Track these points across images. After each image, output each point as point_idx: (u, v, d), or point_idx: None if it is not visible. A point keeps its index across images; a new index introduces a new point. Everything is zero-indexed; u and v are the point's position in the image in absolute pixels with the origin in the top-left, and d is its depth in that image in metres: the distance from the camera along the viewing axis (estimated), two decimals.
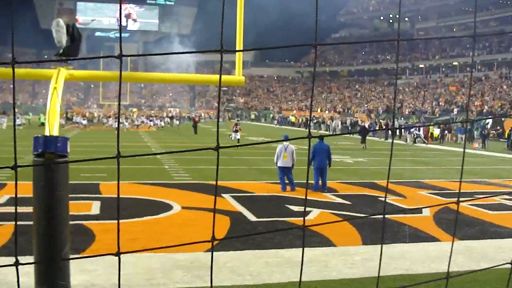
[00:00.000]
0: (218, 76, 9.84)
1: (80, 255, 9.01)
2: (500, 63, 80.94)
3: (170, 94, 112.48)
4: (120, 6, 1.77)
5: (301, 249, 9.50)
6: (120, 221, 11.45)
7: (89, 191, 15.46)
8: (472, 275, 8.63)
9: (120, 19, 1.79)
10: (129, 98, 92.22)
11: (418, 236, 11.51)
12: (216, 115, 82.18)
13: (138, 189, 16.46)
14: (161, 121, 60.90)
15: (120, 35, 1.65)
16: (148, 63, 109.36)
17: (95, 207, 13.36)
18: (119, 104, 1.85)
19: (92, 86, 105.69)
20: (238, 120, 58.41)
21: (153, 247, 8.80)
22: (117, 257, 1.70)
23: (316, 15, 1.75)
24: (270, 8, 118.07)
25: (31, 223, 7.08)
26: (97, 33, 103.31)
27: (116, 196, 13.54)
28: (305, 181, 17.07)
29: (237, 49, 8.71)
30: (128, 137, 43.19)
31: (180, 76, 11.49)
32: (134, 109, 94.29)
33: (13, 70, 1.72)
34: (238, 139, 39.94)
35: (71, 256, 7.92)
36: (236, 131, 40.59)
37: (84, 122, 50.13)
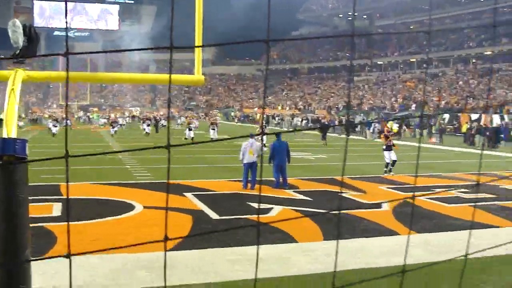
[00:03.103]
0: (176, 75, 9.86)
1: (38, 258, 8.96)
2: (456, 60, 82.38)
3: (131, 93, 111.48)
4: (66, 4, 1.81)
5: (263, 246, 9.64)
6: (82, 222, 11.45)
7: (50, 193, 15.29)
8: (429, 268, 8.86)
9: (66, 14, 1.82)
10: (90, 97, 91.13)
11: (377, 230, 11.72)
12: (177, 115, 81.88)
13: (99, 190, 16.36)
14: (121, 122, 59.62)
15: (67, 32, 1.69)
16: (109, 63, 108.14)
17: (56, 209, 13.24)
18: (66, 105, 1.86)
19: (51, 86, 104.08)
20: (215, 117, 57.16)
21: (107, 248, 8.78)
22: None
23: (269, 10, 1.81)
24: (231, 6, 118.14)
25: None
26: (56, 33, 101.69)
27: (77, 197, 13.44)
28: (266, 179, 17.21)
29: (196, 43, 8.75)
30: (91, 137, 42.83)
31: (136, 76, 11.49)
32: (95, 109, 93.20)
33: None
34: (212, 138, 37.43)
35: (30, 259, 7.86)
36: (213, 129, 39.05)
37: (56, 128, 44.35)
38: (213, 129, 38.72)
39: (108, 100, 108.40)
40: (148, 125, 46.99)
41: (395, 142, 22.60)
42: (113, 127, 45.35)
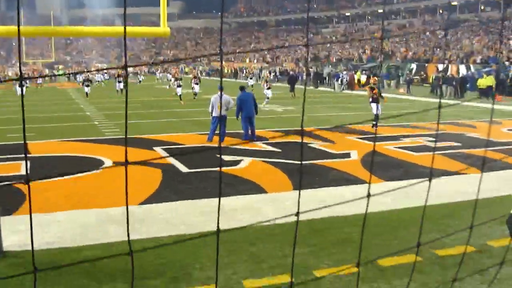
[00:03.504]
0: (142, 28, 9.73)
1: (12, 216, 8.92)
2: (423, 10, 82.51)
3: (97, 49, 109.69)
4: None
5: (233, 197, 9.72)
6: (52, 179, 11.36)
7: (18, 152, 15.12)
8: (397, 214, 9.05)
9: None
10: (54, 54, 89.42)
11: (347, 179, 11.87)
12: (147, 71, 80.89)
13: (69, 147, 16.24)
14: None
15: None
16: (74, 18, 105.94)
17: (24, 167, 13.12)
18: (20, 62, 1.77)
19: (14, 43, 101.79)
20: (197, 72, 52.83)
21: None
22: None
23: None
24: None
25: None
26: None
27: (46, 154, 13.34)
28: (236, 132, 17.22)
29: None
30: (59, 96, 42.23)
31: (96, 29, 11.28)
32: (60, 66, 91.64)
33: None
34: (196, 93, 35.91)
35: None
36: (197, 84, 36.50)
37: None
38: (196, 84, 36.56)
39: (73, 57, 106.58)
40: (120, 82, 42.87)
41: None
42: (87, 86, 39.82)
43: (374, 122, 20.10)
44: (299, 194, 1.85)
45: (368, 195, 1.90)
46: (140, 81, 61.39)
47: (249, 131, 17.22)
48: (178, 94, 33.85)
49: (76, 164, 13.63)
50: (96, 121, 22.86)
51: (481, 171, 12.82)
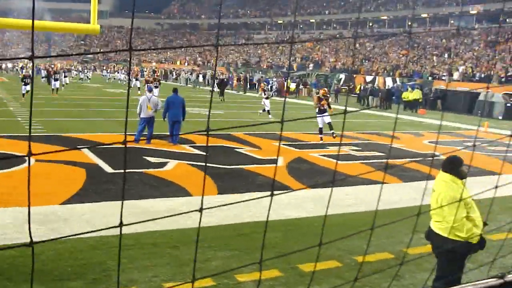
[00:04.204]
0: (73, 24, 9.54)
1: None
2: (353, 23, 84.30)
3: (25, 43, 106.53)
4: None
5: (157, 199, 9.63)
6: None
7: None
8: (321, 220, 9.19)
9: None
10: None
11: (271, 184, 11.97)
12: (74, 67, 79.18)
13: None
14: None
15: None
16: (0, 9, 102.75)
17: None
18: None
19: None
20: (155, 76, 48.33)
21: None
22: None
23: None
24: None
25: None
26: None
27: None
28: (163, 133, 17.08)
29: None
30: None
31: (22, 22, 11.00)
32: None
33: None
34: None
35: None
36: (156, 87, 33.13)
37: None
38: (156, 87, 32.87)
39: None
40: (56, 80, 37.90)
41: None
42: (26, 84, 31.69)
43: (321, 135, 19.44)
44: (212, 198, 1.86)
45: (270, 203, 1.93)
46: (89, 78, 60.80)
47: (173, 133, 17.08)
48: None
49: None
50: (19, 117, 22.21)
51: (402, 180, 13.20)
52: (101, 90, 45.16)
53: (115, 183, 11.33)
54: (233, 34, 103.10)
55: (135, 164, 13.43)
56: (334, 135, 19.45)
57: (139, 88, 39.17)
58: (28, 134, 17.35)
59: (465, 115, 35.15)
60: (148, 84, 28.94)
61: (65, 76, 42.74)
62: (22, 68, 66.53)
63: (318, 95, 20.31)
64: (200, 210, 1.71)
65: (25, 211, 8.91)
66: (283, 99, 44.50)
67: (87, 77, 61.56)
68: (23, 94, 31.23)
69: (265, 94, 29.64)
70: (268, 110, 27.70)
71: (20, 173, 11.85)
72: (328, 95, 20.12)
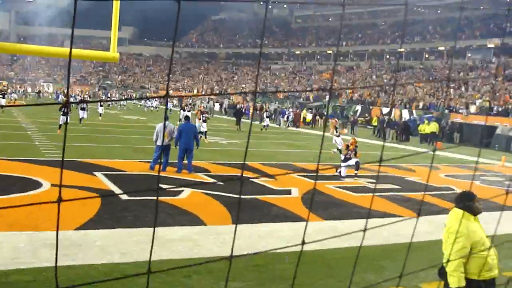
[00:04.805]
0: (92, 51, 9.64)
1: None
2: (370, 54, 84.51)
3: (44, 69, 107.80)
4: None
5: (172, 227, 9.61)
6: None
7: None
8: (334, 252, 9.11)
9: None
10: None
11: (286, 216, 11.91)
12: (90, 92, 79.89)
13: (6, 166, 15.79)
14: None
15: None
16: (20, 34, 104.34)
17: None
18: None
19: None
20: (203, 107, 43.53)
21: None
22: None
23: None
24: None
25: None
26: None
27: None
28: (176, 161, 17.06)
29: (113, 21, 8.58)
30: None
31: (53, 49, 11.11)
32: (4, 82, 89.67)
33: None
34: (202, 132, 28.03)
35: None
36: (204, 121, 29.39)
37: None
38: (205, 121, 29.42)
39: (18, 74, 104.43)
40: (83, 109, 34.69)
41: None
42: (65, 114, 27.41)
43: (356, 172, 18.52)
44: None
45: (303, 242, 1.91)
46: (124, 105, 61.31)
47: (185, 162, 16.99)
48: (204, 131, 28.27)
49: (13, 184, 13.25)
50: (37, 141, 22.38)
51: (417, 214, 13.07)
52: (119, 116, 45.55)
53: (130, 210, 11.34)
54: (250, 63, 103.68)
55: (150, 191, 13.42)
56: (356, 176, 18.44)
57: (180, 119, 36.63)
58: (44, 158, 17.48)
59: (482, 149, 34.92)
60: (204, 115, 28.77)
61: (101, 105, 42.31)
62: (57, 94, 67.21)
63: (347, 143, 19.27)
64: (302, 243, 1.70)
65: (40, 235, 8.93)
66: (299, 129, 44.59)
67: (123, 105, 62.02)
68: (60, 126, 26.96)
69: (336, 132, 26.99)
70: None
71: (36, 198, 11.90)
72: (357, 145, 19.15)
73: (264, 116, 41.15)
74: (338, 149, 23.60)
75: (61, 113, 25.94)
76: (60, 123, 26.48)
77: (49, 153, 19.22)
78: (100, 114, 38.15)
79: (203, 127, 28.41)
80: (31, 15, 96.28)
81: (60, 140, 22.81)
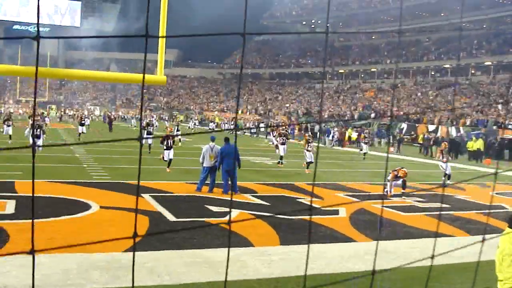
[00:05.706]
0: (140, 75, 9.78)
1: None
2: (415, 71, 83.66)
3: (91, 92, 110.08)
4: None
5: (220, 249, 9.58)
6: (36, 220, 11.22)
7: (4, 190, 14.99)
8: (382, 274, 8.95)
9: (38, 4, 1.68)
10: (48, 95, 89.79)
11: (334, 237, 11.79)
12: (137, 115, 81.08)
13: (55, 188, 16.08)
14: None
15: (38, 14, 1.59)
16: (68, 60, 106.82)
17: (9, 206, 12.95)
18: (34, 100, 1.74)
19: (9, 81, 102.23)
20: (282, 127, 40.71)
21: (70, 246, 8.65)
22: (31, 257, 1.66)
23: (246, 2, 1.78)
24: (196, 9, 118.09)
25: None
26: (15, 26, 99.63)
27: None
28: (222, 182, 17.10)
29: (160, 42, 8.70)
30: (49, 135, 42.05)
31: (102, 74, 11.31)
32: (53, 106, 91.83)
33: None
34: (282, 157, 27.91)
35: None
36: (283, 143, 28.43)
37: (9, 128, 36.27)
38: (283, 144, 28.56)
39: (66, 97, 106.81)
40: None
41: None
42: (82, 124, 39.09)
43: (402, 191, 18.09)
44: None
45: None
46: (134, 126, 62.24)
47: (230, 183, 16.97)
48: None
49: (62, 206, 13.47)
50: (85, 163, 22.74)
51: (482, 239, 12.80)
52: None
53: (178, 231, 11.38)
54: (294, 83, 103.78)
55: (197, 212, 13.51)
56: (403, 194, 18.01)
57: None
58: (91, 180, 17.73)
59: None
60: (282, 138, 28.15)
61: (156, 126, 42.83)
62: (104, 117, 68.32)
63: (395, 173, 18.45)
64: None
65: (90, 257, 9.03)
66: (343, 148, 44.31)
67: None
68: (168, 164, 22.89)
69: (443, 157, 24.72)
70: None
71: (85, 219, 12.06)
72: (407, 174, 18.65)
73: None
74: (446, 174, 22.87)
75: (164, 147, 23.18)
76: (168, 158, 22.84)
77: (97, 175, 19.50)
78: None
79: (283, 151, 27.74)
80: (77, 40, 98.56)
81: (108, 163, 23.12)
